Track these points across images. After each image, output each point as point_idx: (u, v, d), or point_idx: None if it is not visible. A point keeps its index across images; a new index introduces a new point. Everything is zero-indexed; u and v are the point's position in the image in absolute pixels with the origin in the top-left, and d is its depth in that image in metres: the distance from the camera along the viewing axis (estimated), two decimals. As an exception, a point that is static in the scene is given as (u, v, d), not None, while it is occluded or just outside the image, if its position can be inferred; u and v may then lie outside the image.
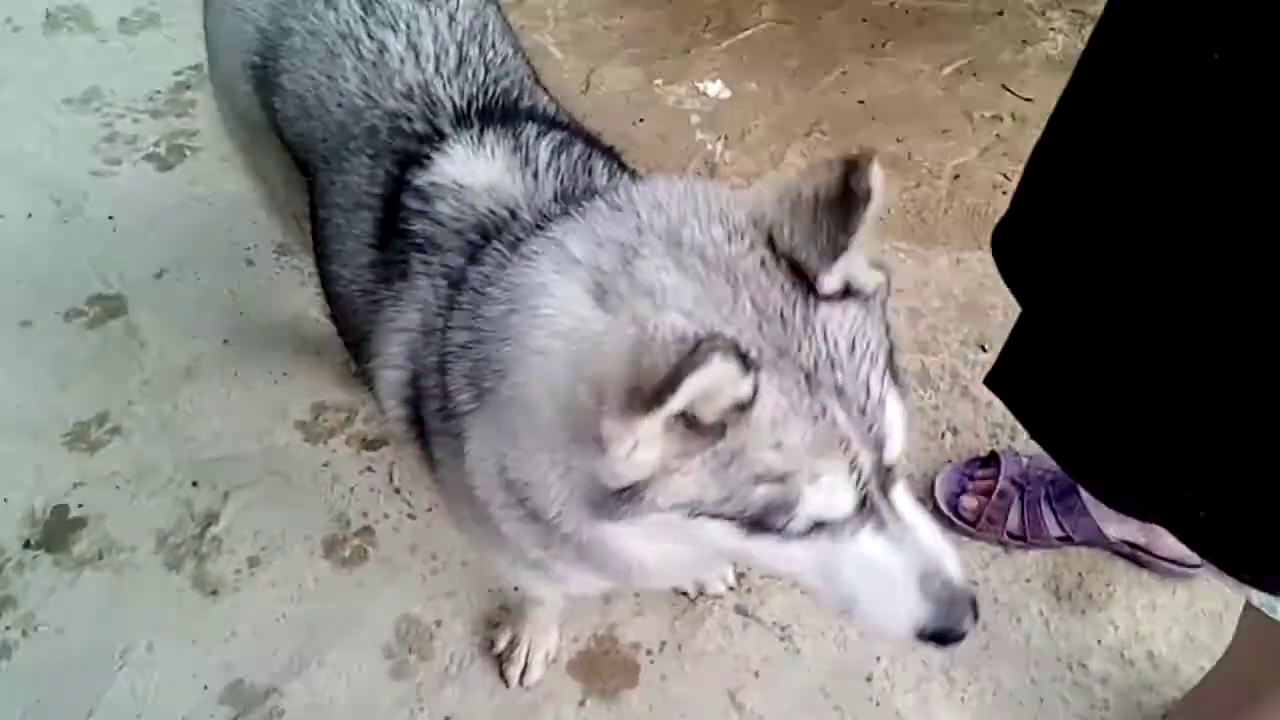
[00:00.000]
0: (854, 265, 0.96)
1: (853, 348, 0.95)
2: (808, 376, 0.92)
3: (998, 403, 2.18)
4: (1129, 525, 1.95)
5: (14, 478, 2.08)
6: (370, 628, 1.89)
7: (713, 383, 0.83)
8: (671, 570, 1.27)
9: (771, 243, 0.96)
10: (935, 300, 2.40)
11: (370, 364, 1.34)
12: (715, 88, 2.88)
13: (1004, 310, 2.36)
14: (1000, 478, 2.03)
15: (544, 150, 1.30)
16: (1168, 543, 1.95)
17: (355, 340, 1.43)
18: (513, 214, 1.22)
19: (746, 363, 0.84)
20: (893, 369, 0.98)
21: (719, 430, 0.90)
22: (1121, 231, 1.14)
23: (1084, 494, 1.97)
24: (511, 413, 1.03)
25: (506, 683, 1.83)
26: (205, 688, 1.82)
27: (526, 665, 1.83)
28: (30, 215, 2.59)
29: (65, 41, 3.04)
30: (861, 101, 2.84)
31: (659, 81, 2.90)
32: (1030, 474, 2.02)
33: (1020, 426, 2.14)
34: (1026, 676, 1.87)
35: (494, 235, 1.20)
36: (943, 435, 2.18)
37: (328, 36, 1.45)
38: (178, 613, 1.91)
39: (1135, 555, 1.98)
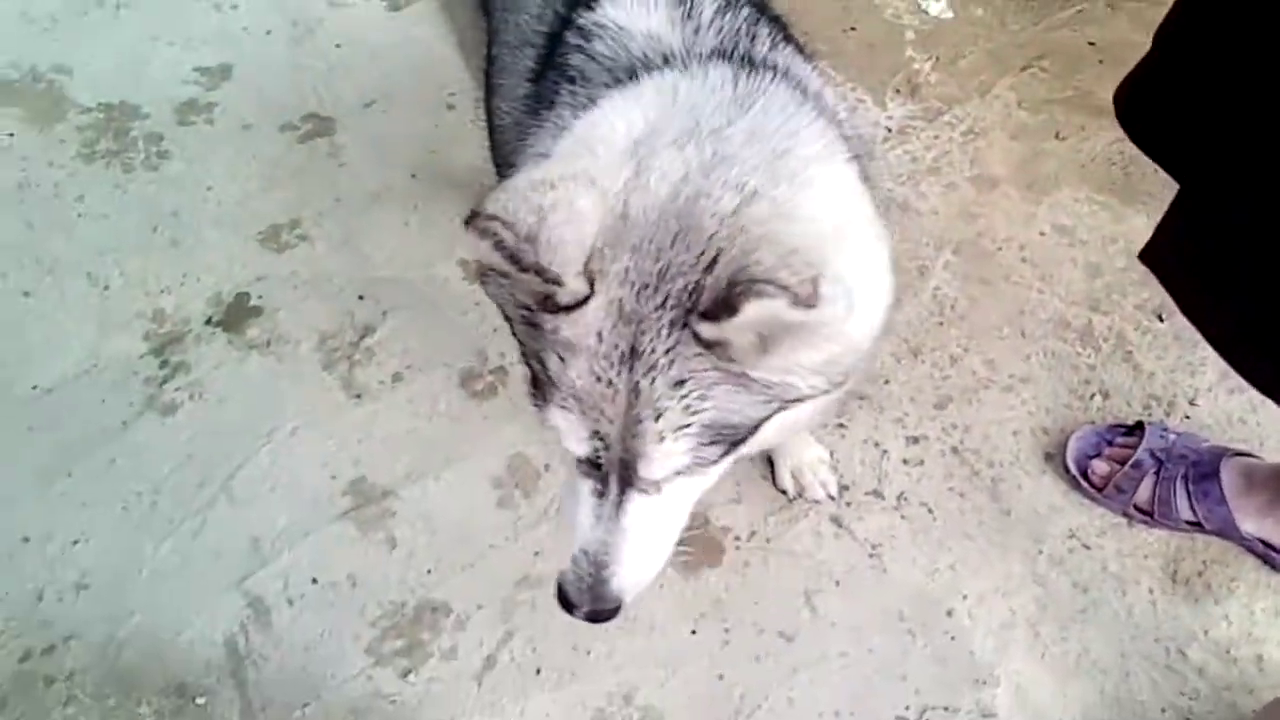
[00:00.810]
0: (782, 352, 0.97)
1: (680, 384, 0.99)
2: (624, 352, 0.98)
3: (1159, 374, 2.11)
4: (1267, 523, 1.84)
5: (209, 261, 2.30)
6: (486, 458, 2.01)
7: (483, 254, 0.96)
8: None
9: (715, 259, 0.97)
10: (1120, 260, 2.27)
11: None
12: (938, 6, 2.77)
13: (1192, 283, 2.22)
14: (1140, 449, 1.93)
15: (709, 5, 1.31)
16: (1308, 550, 1.83)
17: (504, 172, 1.50)
18: (666, 61, 1.24)
19: (546, 275, 0.94)
20: (717, 438, 1.02)
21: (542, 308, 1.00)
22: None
23: (1224, 482, 1.86)
24: None
25: (597, 534, 1.91)
26: (333, 477, 1.99)
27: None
28: (269, 32, 2.79)
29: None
30: (1092, 43, 2.68)
31: (882, -11, 2.82)
32: (1174, 451, 1.92)
33: (1177, 405, 2.06)
34: (1118, 649, 1.80)
35: (642, 74, 1.23)
36: (1092, 397, 2.09)
37: None
38: (324, 407, 2.07)
39: (1269, 556, 1.86)
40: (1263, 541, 1.85)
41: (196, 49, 2.73)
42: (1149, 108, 1.34)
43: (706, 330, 0.95)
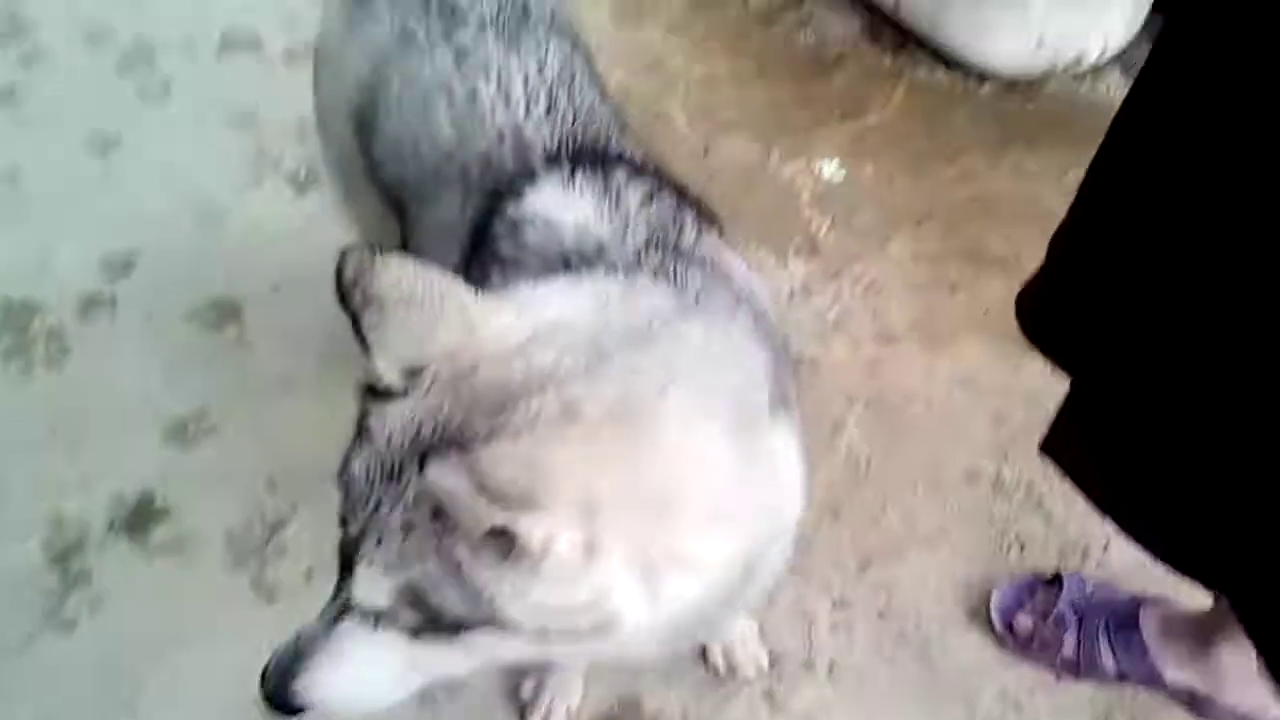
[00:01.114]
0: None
1: (409, 527, 0.96)
2: (396, 471, 0.97)
3: (1072, 522, 2.15)
4: (1189, 671, 1.86)
5: (110, 461, 2.23)
6: (406, 654, 1.94)
7: None
8: None
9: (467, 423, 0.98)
10: (1021, 409, 2.34)
11: None
12: (831, 168, 2.89)
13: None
14: (1061, 601, 1.95)
15: (634, 196, 1.34)
16: (1232, 696, 1.84)
17: None
18: (598, 253, 1.26)
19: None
20: (414, 598, 0.98)
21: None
22: (1171, 294, 1.11)
23: (1145, 631, 1.88)
24: None
25: (527, 730, 1.86)
26: (245, 686, 1.90)
27: (548, 716, 1.84)
28: (174, 219, 2.78)
29: (234, 64, 3.26)
30: (976, 198, 2.81)
31: (776, 156, 2.93)
32: (1093, 601, 1.95)
33: (1090, 552, 2.10)
34: (1058, 813, 1.79)
35: (574, 268, 1.25)
36: (1009, 548, 2.12)
37: (423, 86, 1.54)
38: (234, 611, 2.00)
39: (1195, 705, 1.88)
40: (1188, 690, 1.86)
41: (100, 241, 2.70)
42: (1046, 315, 1.41)
43: (434, 472, 0.91)
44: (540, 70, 1.54)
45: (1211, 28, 1.04)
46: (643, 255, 1.24)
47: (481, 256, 1.37)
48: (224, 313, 2.55)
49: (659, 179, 1.43)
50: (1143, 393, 1.17)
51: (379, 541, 0.97)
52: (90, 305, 2.56)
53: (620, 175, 1.37)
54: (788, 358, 1.36)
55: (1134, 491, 1.29)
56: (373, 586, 1.00)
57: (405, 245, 1.63)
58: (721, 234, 1.43)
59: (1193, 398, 1.11)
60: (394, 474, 0.97)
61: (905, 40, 3.20)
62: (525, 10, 1.62)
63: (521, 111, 1.48)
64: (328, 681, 1.08)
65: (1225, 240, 1.05)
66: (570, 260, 1.26)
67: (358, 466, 1.00)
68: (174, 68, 3.22)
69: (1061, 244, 1.37)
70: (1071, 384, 1.38)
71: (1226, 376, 1.07)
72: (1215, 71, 1.04)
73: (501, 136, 1.46)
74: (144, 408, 2.34)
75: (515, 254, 1.32)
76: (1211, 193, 1.05)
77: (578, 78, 1.57)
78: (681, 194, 1.43)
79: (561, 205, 1.34)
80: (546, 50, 1.56)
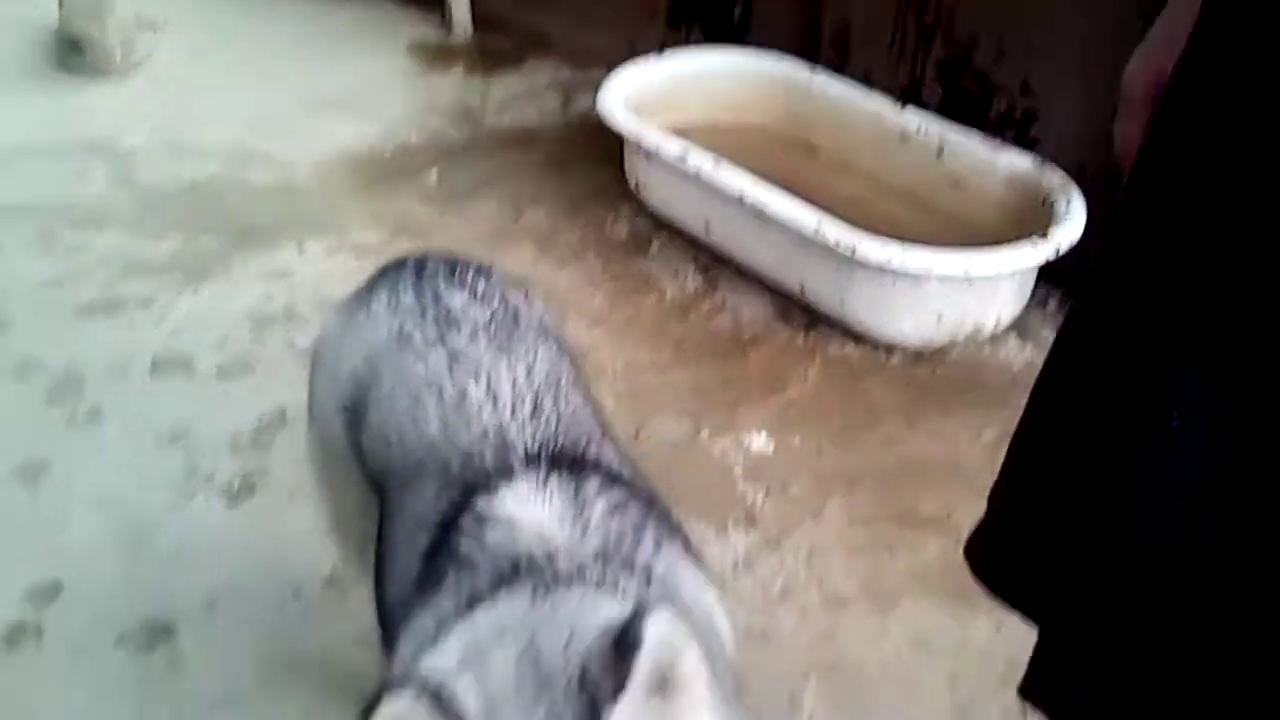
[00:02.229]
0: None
1: None
2: None
3: (1042, 783, 2.09)
4: None
5: (30, 807, 2.08)
6: None
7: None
8: None
9: (585, 671, 1.02)
10: (973, 665, 2.33)
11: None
12: (760, 441, 2.99)
13: (1048, 678, 2.28)
14: None
15: (599, 507, 1.39)
16: None
17: (390, 645, 1.47)
18: (549, 559, 1.30)
19: None
20: None
21: None
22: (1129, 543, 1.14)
23: None
24: None
25: None
26: None
27: None
28: (102, 544, 2.73)
29: (165, 385, 3.31)
30: (902, 461, 2.92)
31: (705, 433, 3.03)
32: None
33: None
34: None
35: (522, 573, 1.28)
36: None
37: (415, 384, 1.61)
38: None
39: None
40: None
41: (25, 570, 2.63)
42: (995, 562, 1.45)
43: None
44: (529, 374, 1.62)
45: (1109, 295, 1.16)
46: (588, 568, 1.29)
47: (442, 553, 1.39)
48: (155, 633, 2.47)
49: (630, 489, 1.50)
50: (1106, 629, 1.20)
51: None
52: (16, 636, 2.45)
53: (592, 484, 1.43)
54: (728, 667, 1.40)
55: None
56: None
57: (379, 533, 1.64)
58: (686, 546, 1.48)
59: (1154, 628, 1.14)
60: None
61: (815, 319, 3.42)
62: (516, 317, 1.74)
63: (508, 413, 1.55)
64: None
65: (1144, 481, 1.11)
66: (520, 566, 1.29)
67: None
68: (104, 392, 3.25)
69: (1001, 494, 1.43)
70: (1040, 627, 1.40)
71: (1180, 606, 1.10)
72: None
73: (485, 434, 1.52)
74: (67, 744, 2.20)
75: (471, 553, 1.35)
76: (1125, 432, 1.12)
77: (563, 382, 1.66)
78: (650, 504, 1.50)
79: (528, 507, 1.38)
80: (535, 355, 1.66)
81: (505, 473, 1.44)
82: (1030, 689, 1.43)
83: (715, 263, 3.75)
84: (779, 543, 2.69)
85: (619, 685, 0.98)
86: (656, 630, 0.98)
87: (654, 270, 3.80)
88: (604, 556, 1.31)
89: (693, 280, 3.72)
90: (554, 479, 1.42)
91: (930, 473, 2.86)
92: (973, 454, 2.90)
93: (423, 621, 1.32)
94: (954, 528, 2.67)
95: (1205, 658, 1.09)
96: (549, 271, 3.79)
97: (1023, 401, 1.34)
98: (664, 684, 1.02)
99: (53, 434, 3.10)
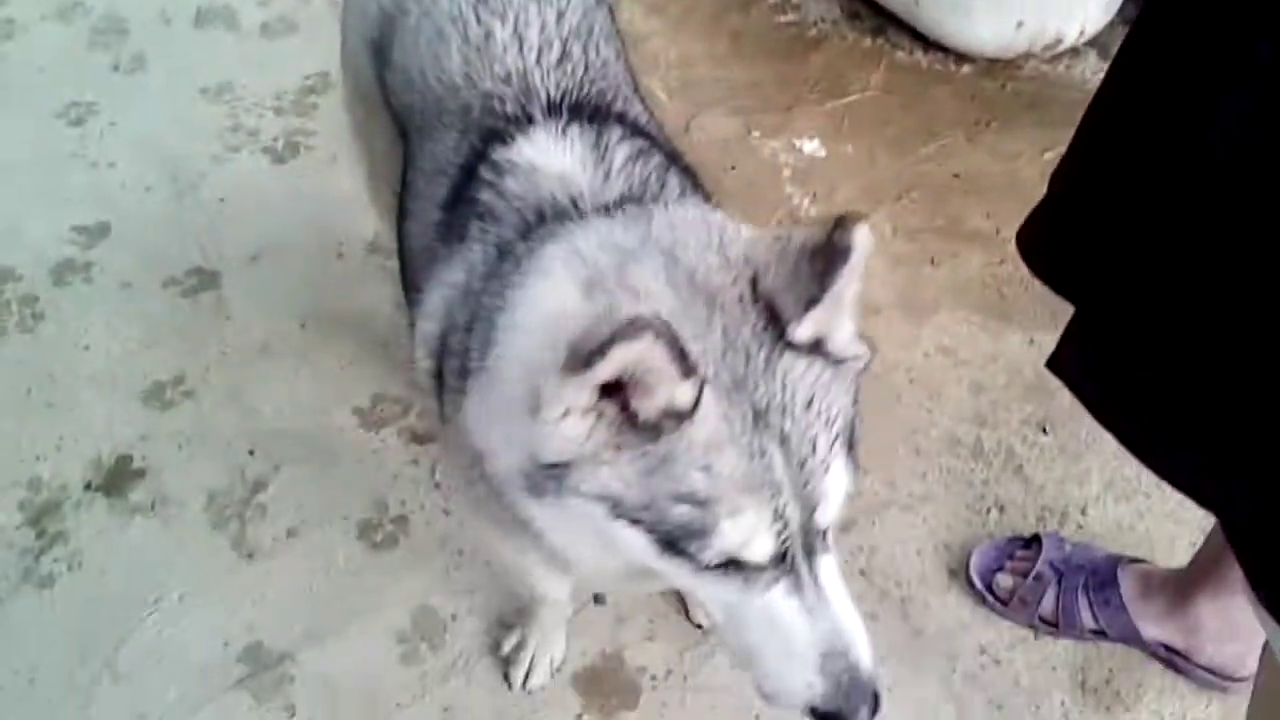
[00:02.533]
0: (832, 325, 0.99)
1: (810, 404, 0.98)
2: (756, 414, 0.95)
3: (1049, 486, 2.17)
4: (1168, 627, 1.88)
5: (88, 423, 2.20)
6: (388, 612, 1.94)
7: (639, 359, 0.86)
8: (607, 574, 1.28)
9: (755, 282, 0.99)
10: (1001, 376, 2.36)
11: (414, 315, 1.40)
12: (812, 146, 2.91)
13: (1071, 396, 2.31)
14: (1040, 561, 1.97)
15: (621, 153, 1.34)
16: (1208, 651, 1.87)
17: (411, 296, 1.49)
18: (574, 204, 1.27)
19: (687, 365, 0.88)
20: (850, 441, 1.01)
21: (653, 433, 0.93)
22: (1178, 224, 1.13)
23: (1123, 590, 1.90)
24: (486, 381, 1.09)
25: (510, 684, 1.85)
26: (225, 644, 1.89)
27: (530, 669, 1.84)
28: (149, 189, 2.76)
29: (210, 37, 3.23)
30: (957, 175, 2.83)
31: (757, 133, 2.95)
32: (1071, 562, 1.97)
33: (1069, 515, 2.12)
34: (1038, 765, 1.81)
35: (549, 219, 1.25)
36: (988, 511, 2.14)
37: (439, 19, 1.54)
38: (213, 569, 1.98)
39: (1172, 660, 1.90)
40: (1165, 646, 1.89)
41: (74, 209, 2.68)
42: (1050, 245, 1.42)
43: (805, 329, 0.97)
44: (559, 19, 1.54)
45: None
46: (614, 209, 1.24)
47: (463, 203, 1.37)
48: (202, 281, 2.53)
49: (652, 141, 1.44)
50: (1144, 312, 1.20)
51: (814, 448, 0.97)
52: (65, 271, 2.52)
53: (614, 133, 1.38)
54: None
55: (1138, 407, 1.30)
56: (839, 488, 1.00)
57: (403, 177, 1.63)
58: (708, 201, 1.44)
59: (1193, 313, 1.13)
60: (758, 416, 0.96)
61: (885, 21, 3.23)
62: None
63: (533, 57, 1.48)
64: (864, 636, 1.07)
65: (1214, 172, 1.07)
66: (545, 212, 1.26)
67: (738, 471, 0.95)
68: (148, 40, 3.19)
69: (1062, 175, 1.40)
70: (1076, 308, 1.40)
71: (1223, 291, 1.09)
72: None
73: (508, 79, 1.46)
74: (120, 371, 2.31)
75: (494, 203, 1.32)
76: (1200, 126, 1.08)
77: (595, 33, 1.57)
78: (673, 159, 1.44)
79: (549, 154, 1.34)
80: (568, 2, 1.57)
81: (524, 121, 1.39)
82: (1058, 363, 1.44)
83: (785, -46, 3.51)
84: (820, 247, 2.66)
85: (814, 294, 0.95)
86: (863, 239, 0.94)
87: (719, -42, 3.57)
88: (626, 200, 1.27)
89: (760, -29, 3.51)
90: (574, 127, 1.37)
91: (984, 188, 2.78)
92: (1032, 173, 2.80)
93: (451, 275, 1.31)
94: (1001, 244, 2.63)
95: (1238, 335, 1.09)
96: (608, -49, 3.57)
97: None
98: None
99: (98, 78, 3.06)
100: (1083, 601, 1.92)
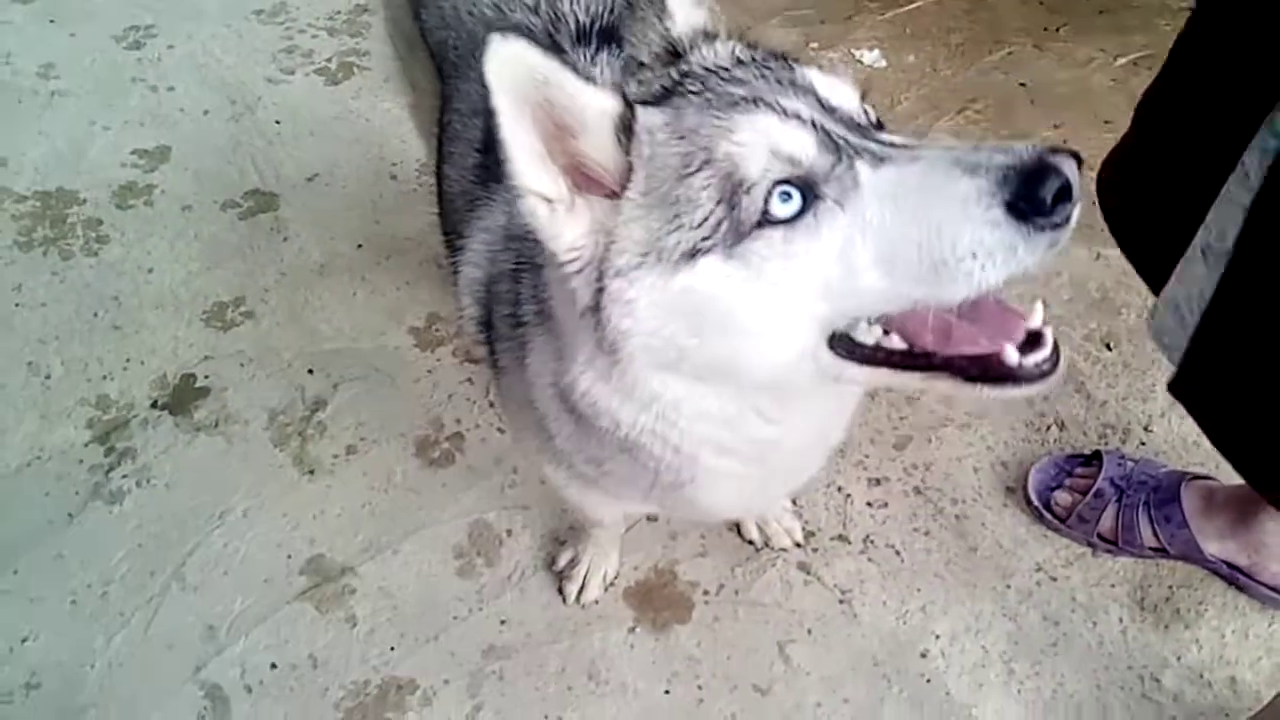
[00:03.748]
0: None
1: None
2: (690, 75, 0.96)
3: (1112, 403, 2.13)
4: (1230, 544, 1.84)
5: (153, 344, 2.25)
6: (445, 527, 1.97)
7: (509, 57, 0.85)
8: (716, 458, 1.12)
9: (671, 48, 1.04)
10: (1065, 292, 2.30)
11: (456, 259, 1.40)
12: (872, 56, 2.83)
13: (1137, 311, 2.25)
14: (1100, 478, 1.94)
15: None
16: (1273, 569, 1.83)
17: (452, 240, 1.49)
18: None
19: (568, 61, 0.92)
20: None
21: (625, 173, 0.91)
22: None
23: (1185, 506, 1.86)
24: (548, 333, 1.09)
25: (564, 598, 1.87)
26: (289, 557, 1.94)
27: (584, 584, 1.87)
28: (207, 112, 2.78)
29: (263, -42, 3.22)
30: (1023, 84, 2.74)
31: (815, 45, 2.87)
32: (1133, 479, 1.93)
33: (1132, 432, 2.08)
34: (1093, 681, 1.79)
35: None
36: (1048, 428, 2.10)
37: None
38: (276, 485, 2.03)
39: (1234, 577, 1.87)
40: (1227, 563, 1.85)
41: (134, 132, 2.71)
42: (1127, 186, 1.36)
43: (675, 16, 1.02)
44: None
45: None
46: None
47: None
48: (260, 203, 2.55)
49: None
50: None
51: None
52: (127, 194, 2.56)
53: None
54: None
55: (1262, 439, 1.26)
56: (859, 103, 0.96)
57: (440, 118, 1.62)
58: None
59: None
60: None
61: (949, -76, 3.10)
62: None
63: None
64: None
65: None
66: None
67: (753, 92, 0.90)
68: (203, -38, 3.19)
69: (1147, 110, 1.33)
70: (1198, 325, 1.33)
71: None
72: None
73: (536, 8, 1.43)
74: (183, 293, 2.36)
75: None
76: None
77: None
78: None
79: None
80: None
81: (554, 52, 1.36)
82: (1181, 386, 1.40)
83: None
84: (879, 160, 2.60)
85: None
86: None
87: None
88: None
89: (820, -126, 3.38)
90: (604, 53, 1.34)
91: (1052, 98, 2.68)
92: (1102, 80, 2.70)
93: (492, 218, 1.30)
94: (1066, 156, 2.54)
95: None
96: None
97: (1171, 28, 1.21)
98: None
99: (155, 2, 3.07)
100: (1143, 518, 1.89)
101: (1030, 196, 0.80)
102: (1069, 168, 0.80)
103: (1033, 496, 1.97)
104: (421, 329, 2.27)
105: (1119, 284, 2.30)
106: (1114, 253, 2.33)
